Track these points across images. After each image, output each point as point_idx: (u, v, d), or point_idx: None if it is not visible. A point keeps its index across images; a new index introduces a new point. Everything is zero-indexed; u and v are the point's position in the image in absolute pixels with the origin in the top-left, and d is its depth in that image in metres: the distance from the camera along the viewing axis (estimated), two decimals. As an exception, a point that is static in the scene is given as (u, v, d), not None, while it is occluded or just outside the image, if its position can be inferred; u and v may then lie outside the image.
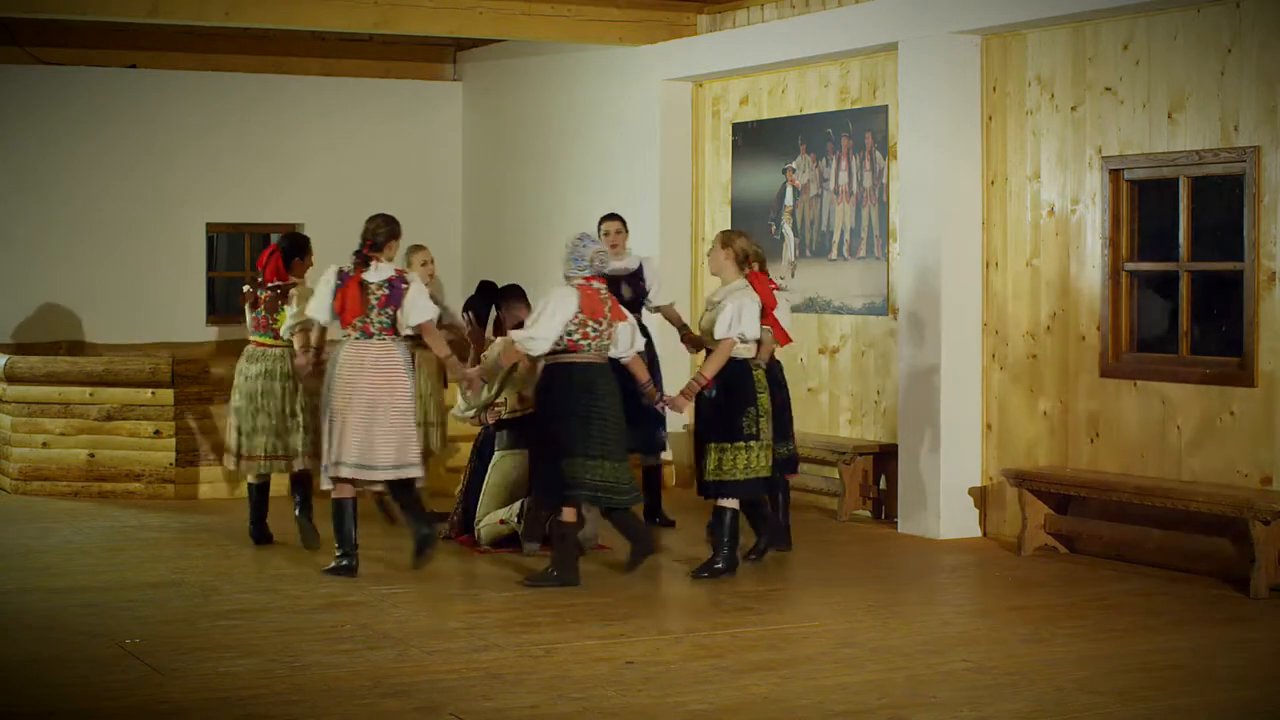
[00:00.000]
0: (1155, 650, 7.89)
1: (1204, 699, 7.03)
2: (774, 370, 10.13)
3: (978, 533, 11.07)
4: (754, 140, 13.08)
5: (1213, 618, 8.62)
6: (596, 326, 9.28)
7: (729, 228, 10.11)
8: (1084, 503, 10.29)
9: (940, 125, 11.01)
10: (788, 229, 12.75)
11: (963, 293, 11.04)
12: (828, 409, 12.40)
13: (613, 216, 11.36)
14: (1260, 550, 9.04)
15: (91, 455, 12.59)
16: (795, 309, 12.55)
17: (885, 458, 11.72)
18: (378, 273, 9.43)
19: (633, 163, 13.94)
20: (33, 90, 15.14)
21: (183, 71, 15.71)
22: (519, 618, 8.44)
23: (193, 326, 15.75)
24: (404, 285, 9.42)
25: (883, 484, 11.81)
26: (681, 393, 9.62)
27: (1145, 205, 10.28)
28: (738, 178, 13.25)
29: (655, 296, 11.28)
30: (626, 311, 9.58)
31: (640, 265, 11.24)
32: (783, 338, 9.88)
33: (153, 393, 12.55)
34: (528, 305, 10.45)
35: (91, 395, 12.64)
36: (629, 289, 11.05)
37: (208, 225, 15.95)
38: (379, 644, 7.82)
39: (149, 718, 6.64)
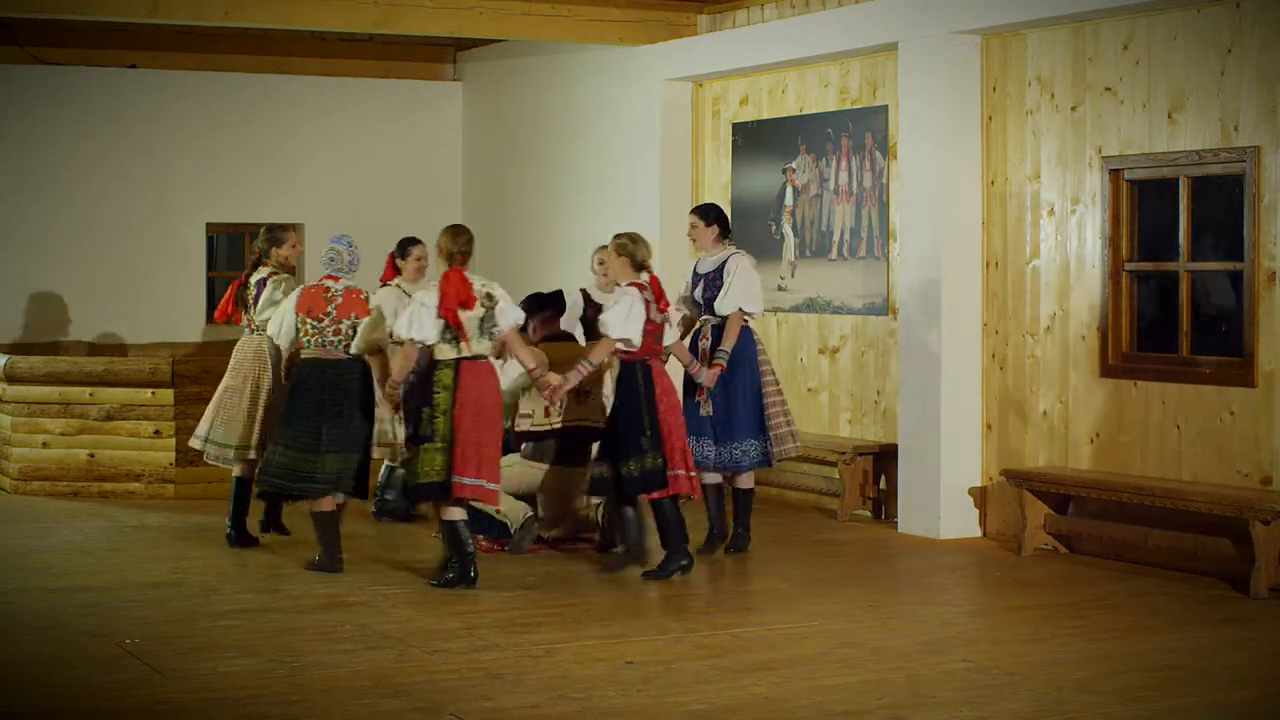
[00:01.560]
0: (1155, 650, 7.89)
1: (1204, 699, 7.03)
2: (629, 371, 9.38)
3: (978, 533, 11.07)
4: (754, 140, 13.08)
5: (1213, 618, 8.62)
6: (316, 324, 9.58)
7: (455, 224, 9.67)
8: (1084, 503, 10.29)
9: (940, 125, 11.01)
10: (788, 229, 12.75)
11: (963, 293, 11.04)
12: (828, 409, 12.40)
13: (693, 210, 10.41)
14: (1260, 550, 9.03)
15: (91, 455, 12.59)
16: (795, 308, 12.57)
17: (885, 458, 11.71)
18: (256, 275, 10.56)
19: (633, 163, 13.95)
20: (33, 90, 15.14)
21: (183, 71, 15.71)
22: (519, 618, 8.44)
23: (193, 326, 15.75)
24: (262, 287, 10.41)
25: (883, 484, 11.80)
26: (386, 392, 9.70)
27: (1145, 205, 10.28)
28: (738, 178, 13.25)
29: (722, 304, 10.03)
30: (371, 307, 9.59)
31: (723, 263, 10.11)
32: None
33: (153, 393, 12.55)
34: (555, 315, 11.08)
35: (91, 395, 12.64)
36: (704, 289, 10.12)
37: (208, 225, 15.95)
38: (379, 644, 7.82)
39: (149, 718, 6.64)
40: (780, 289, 12.77)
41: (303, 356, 9.67)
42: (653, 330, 9.37)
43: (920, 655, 7.70)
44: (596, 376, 9.92)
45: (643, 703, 6.83)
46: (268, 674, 7.23)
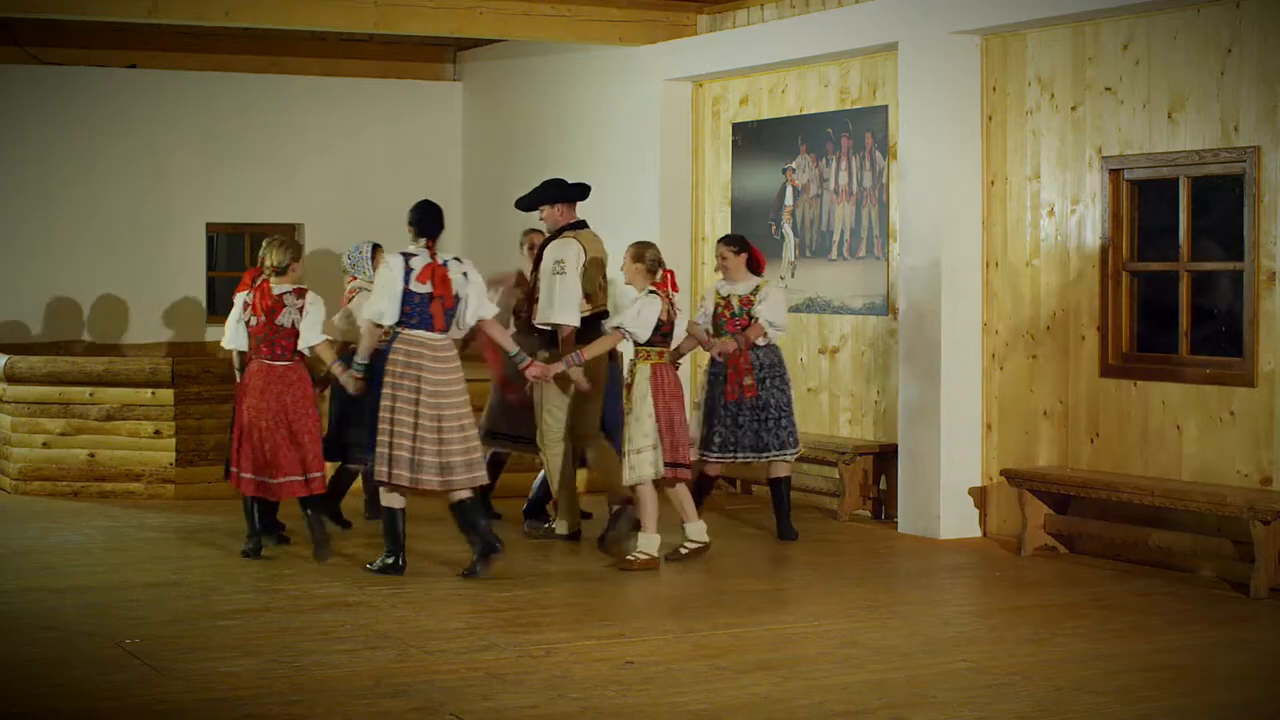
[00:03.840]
0: (1155, 650, 7.90)
1: (1204, 699, 7.03)
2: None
3: (978, 533, 11.07)
4: (754, 140, 13.08)
5: (1213, 618, 8.62)
6: None
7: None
8: (1084, 503, 10.29)
9: (940, 125, 11.01)
10: (788, 229, 12.75)
11: (963, 293, 11.04)
12: (828, 409, 12.40)
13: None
14: (1260, 550, 9.04)
15: (91, 455, 12.59)
16: (795, 309, 12.57)
17: (885, 458, 11.71)
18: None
19: (633, 163, 13.94)
20: (33, 90, 15.15)
21: (183, 71, 15.71)
22: (519, 618, 8.44)
23: (193, 326, 15.76)
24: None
25: (883, 484, 11.81)
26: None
27: (1145, 205, 10.28)
28: (738, 178, 13.25)
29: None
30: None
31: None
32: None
33: (153, 393, 12.54)
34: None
35: (91, 395, 12.64)
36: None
37: (208, 225, 15.95)
38: (379, 644, 7.82)
39: (149, 718, 6.64)
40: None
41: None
42: (253, 332, 9.86)
43: (920, 655, 7.70)
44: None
45: (643, 703, 6.84)
46: (268, 674, 7.23)
